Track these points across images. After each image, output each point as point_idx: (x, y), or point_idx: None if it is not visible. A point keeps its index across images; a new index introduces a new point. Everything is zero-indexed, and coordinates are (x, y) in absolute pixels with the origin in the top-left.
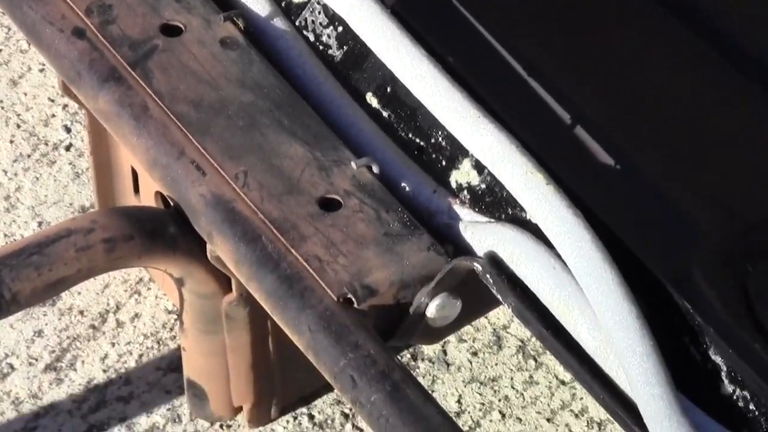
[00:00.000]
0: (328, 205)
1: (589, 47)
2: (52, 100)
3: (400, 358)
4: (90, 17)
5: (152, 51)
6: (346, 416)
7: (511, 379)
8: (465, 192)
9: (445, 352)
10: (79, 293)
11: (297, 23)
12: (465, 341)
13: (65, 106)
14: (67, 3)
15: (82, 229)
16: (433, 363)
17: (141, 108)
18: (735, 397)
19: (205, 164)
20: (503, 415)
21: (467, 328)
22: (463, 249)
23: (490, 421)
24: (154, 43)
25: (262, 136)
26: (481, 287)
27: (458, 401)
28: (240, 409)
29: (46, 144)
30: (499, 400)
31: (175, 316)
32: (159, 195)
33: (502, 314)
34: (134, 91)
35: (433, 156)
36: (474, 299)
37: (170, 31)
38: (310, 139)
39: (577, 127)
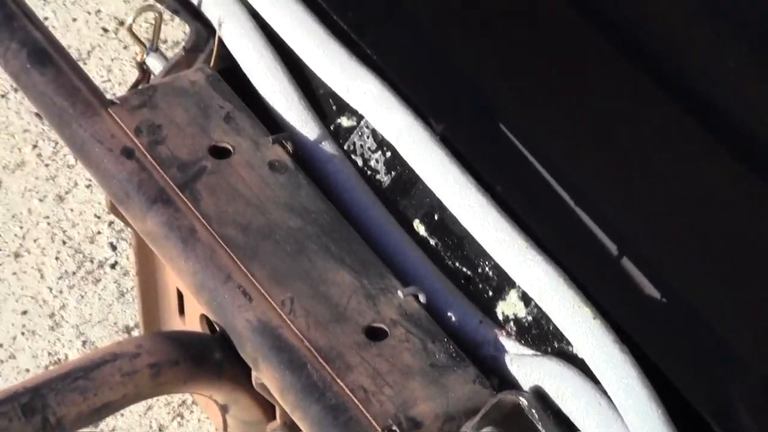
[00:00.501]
0: (375, 334)
1: (638, 178)
2: (98, 217)
3: None
4: (139, 137)
5: (201, 173)
6: None
7: None
8: (511, 323)
9: None
10: (122, 415)
11: (345, 147)
12: None
13: (111, 223)
14: (117, 122)
15: (128, 353)
16: None
17: (188, 231)
18: None
19: (252, 289)
20: None
21: None
22: (508, 382)
23: None
24: (203, 164)
25: (309, 262)
26: (526, 422)
27: None
28: None
29: (92, 261)
30: None
31: None
32: (204, 318)
33: None
34: (182, 213)
35: (480, 286)
36: None
37: (219, 152)
38: (357, 266)
39: (623, 259)
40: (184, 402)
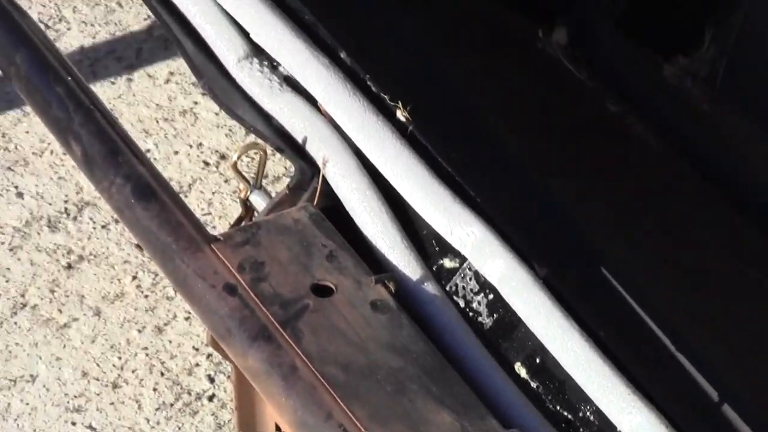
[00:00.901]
0: None
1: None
2: (197, 349)
3: None
4: (242, 274)
5: (303, 311)
6: None
7: None
8: None
9: None
10: None
11: (448, 288)
12: None
13: (209, 355)
14: (220, 258)
15: None
16: None
17: (290, 368)
18: None
19: (353, 428)
20: None
21: None
22: None
23: None
24: (305, 302)
25: (410, 403)
26: None
27: None
28: None
29: (189, 393)
30: None
31: None
32: None
33: None
34: (284, 350)
35: (581, 430)
36: None
37: (321, 291)
38: (458, 407)
39: (725, 406)
40: None
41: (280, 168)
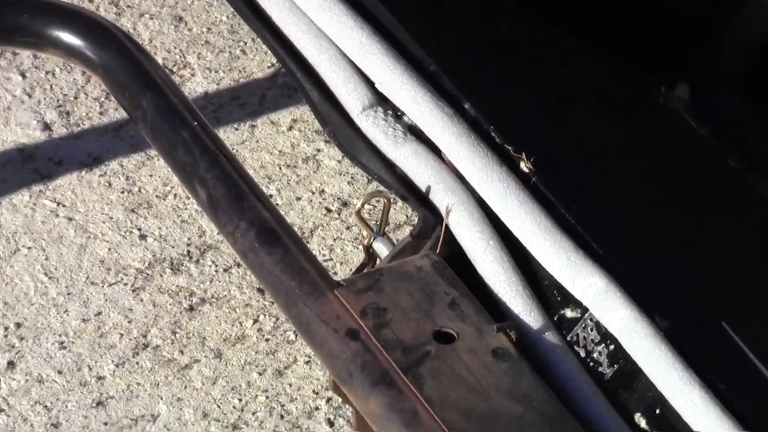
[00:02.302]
0: None
1: None
2: (317, 393)
3: None
4: (364, 319)
5: (424, 357)
6: None
7: None
8: None
9: None
10: None
11: (569, 338)
12: None
13: (329, 399)
14: (343, 304)
15: None
16: None
17: (411, 413)
18: None
19: None
20: None
21: None
22: None
23: None
24: (427, 349)
25: None
26: None
27: None
28: None
29: None
30: None
31: None
32: None
33: None
34: (405, 396)
35: None
36: None
37: (443, 337)
38: None
39: None
40: None
41: (401, 216)
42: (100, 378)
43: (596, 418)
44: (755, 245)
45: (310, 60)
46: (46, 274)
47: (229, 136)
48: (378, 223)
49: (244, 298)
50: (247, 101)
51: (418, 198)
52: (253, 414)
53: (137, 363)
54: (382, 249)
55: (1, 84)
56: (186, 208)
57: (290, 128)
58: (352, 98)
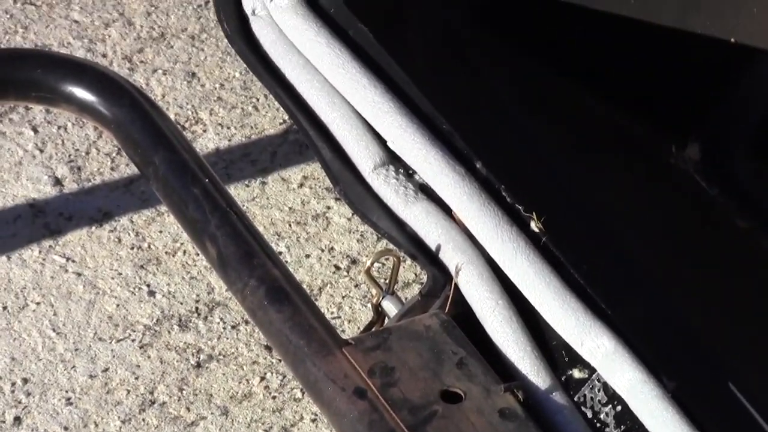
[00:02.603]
0: None
1: None
2: None
3: None
4: (372, 378)
5: (431, 416)
6: None
7: None
8: None
9: None
10: None
11: (576, 398)
12: None
13: None
14: (351, 363)
15: None
16: None
17: None
18: None
19: None
20: None
21: None
22: None
23: None
24: (434, 408)
25: None
26: None
27: None
28: None
29: None
30: None
31: None
32: None
33: None
34: None
35: None
36: None
37: (450, 397)
38: None
39: None
40: None
41: (409, 274)
42: None
43: None
44: (764, 307)
45: (322, 117)
46: (54, 330)
47: (239, 192)
48: (387, 281)
49: (252, 355)
50: (259, 158)
51: (428, 257)
52: None
53: (143, 420)
54: (390, 308)
55: (13, 138)
56: (195, 265)
57: (301, 185)
58: (363, 156)
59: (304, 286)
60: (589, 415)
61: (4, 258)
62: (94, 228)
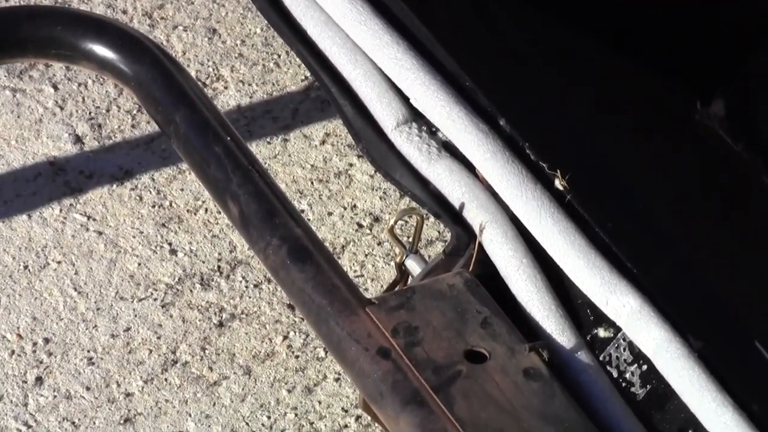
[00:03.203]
0: None
1: None
2: (346, 411)
3: None
4: (396, 338)
5: (456, 376)
6: None
7: None
8: None
9: None
10: None
11: (601, 358)
12: None
13: (358, 417)
14: (374, 322)
15: None
16: None
17: None
18: None
19: None
20: None
21: None
22: None
23: None
24: (458, 368)
25: None
26: None
27: None
28: None
29: None
30: None
31: None
32: None
33: None
34: (436, 416)
35: None
36: None
37: (475, 357)
38: None
39: None
40: None
41: (432, 232)
42: (128, 394)
43: None
44: None
45: (345, 74)
46: (75, 289)
47: (261, 149)
48: (410, 239)
49: (274, 314)
50: (280, 115)
51: (451, 215)
52: (282, 431)
53: (166, 379)
54: (414, 266)
55: (33, 96)
56: (217, 223)
57: (323, 142)
58: (386, 113)
59: (327, 245)
60: (615, 374)
61: (24, 216)
62: (115, 186)
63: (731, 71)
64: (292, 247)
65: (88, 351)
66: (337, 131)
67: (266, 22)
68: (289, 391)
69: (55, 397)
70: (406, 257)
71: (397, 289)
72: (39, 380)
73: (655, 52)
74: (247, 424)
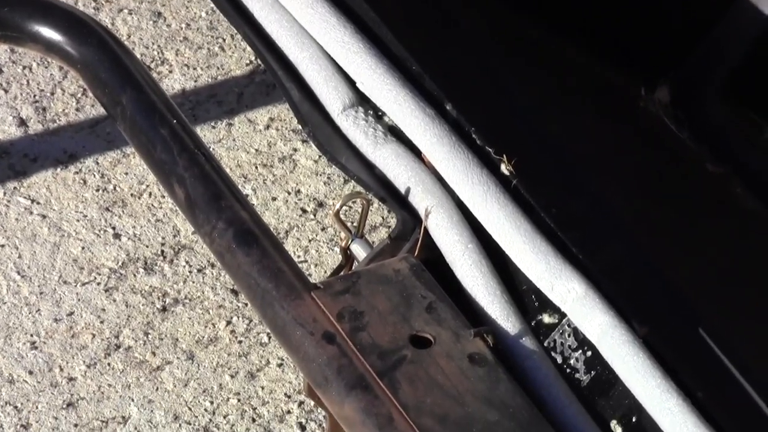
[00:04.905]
0: None
1: None
2: (289, 396)
3: None
4: (341, 322)
5: (401, 361)
6: None
7: None
8: None
9: None
10: None
11: (546, 344)
12: None
13: (301, 402)
14: (320, 307)
15: None
16: None
17: (386, 418)
18: None
19: None
20: None
21: None
22: None
23: None
24: (403, 353)
25: None
26: None
27: None
28: None
29: None
30: None
31: None
32: None
33: None
34: (380, 401)
35: None
36: None
37: (420, 342)
38: None
39: None
40: None
41: (377, 218)
42: (71, 379)
43: (572, 424)
44: (734, 250)
45: (291, 58)
46: (18, 273)
47: (206, 134)
48: (356, 224)
49: (218, 299)
50: (225, 99)
51: (397, 200)
52: (225, 417)
53: (109, 364)
54: (359, 251)
55: None
56: (161, 207)
57: (267, 127)
58: (332, 97)
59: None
60: (559, 360)
61: None
62: (59, 169)
63: (676, 58)
64: (237, 230)
65: (31, 335)
66: (282, 116)
67: (212, 5)
68: (232, 377)
69: None
70: (351, 242)
71: (342, 273)
72: None
73: (602, 39)
74: (190, 409)
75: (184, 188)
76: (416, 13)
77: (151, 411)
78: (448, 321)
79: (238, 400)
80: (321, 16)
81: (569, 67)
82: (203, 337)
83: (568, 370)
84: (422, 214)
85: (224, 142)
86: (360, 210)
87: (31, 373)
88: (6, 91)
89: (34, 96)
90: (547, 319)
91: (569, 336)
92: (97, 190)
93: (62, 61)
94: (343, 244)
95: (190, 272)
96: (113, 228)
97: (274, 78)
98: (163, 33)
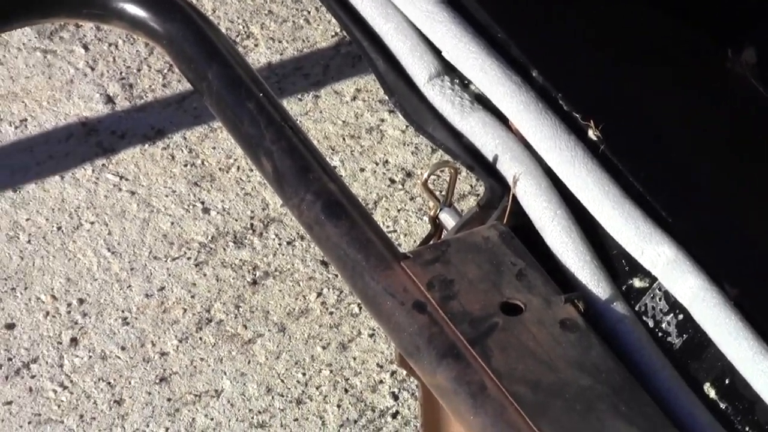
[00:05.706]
0: None
1: None
2: (381, 366)
3: None
4: (431, 291)
5: (492, 329)
6: None
7: None
8: None
9: None
10: None
11: (637, 308)
12: None
13: (393, 372)
14: (410, 276)
15: None
16: None
17: (479, 386)
18: None
19: None
20: None
21: None
22: None
23: None
24: (494, 321)
25: (598, 422)
26: None
27: None
28: None
29: (373, 410)
30: None
31: None
32: None
33: None
34: (472, 368)
35: None
36: None
37: (510, 309)
38: (647, 427)
39: None
40: None
41: (465, 186)
42: (163, 354)
43: (665, 388)
44: None
45: (376, 29)
46: (108, 250)
47: (292, 106)
48: (444, 193)
49: (308, 271)
50: (311, 71)
51: (485, 168)
52: (317, 388)
53: (201, 338)
54: (448, 220)
55: (64, 57)
56: (249, 181)
57: (354, 98)
58: (418, 67)
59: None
60: (651, 324)
61: (57, 177)
62: (147, 145)
63: (763, 18)
64: (326, 202)
65: (123, 311)
66: (368, 87)
67: None
68: (323, 348)
69: (90, 357)
70: (440, 211)
71: (431, 242)
72: (74, 341)
73: (685, 1)
74: (283, 381)
75: (271, 161)
76: None
77: (244, 384)
78: (539, 287)
79: (331, 372)
80: None
81: (654, 30)
82: (294, 309)
83: (659, 334)
84: (510, 181)
85: (311, 114)
86: (448, 179)
87: (123, 348)
88: (93, 69)
89: (121, 73)
90: (637, 283)
91: (660, 300)
92: (185, 165)
93: (148, 38)
94: (431, 213)
95: (279, 245)
96: (202, 202)
97: (360, 49)
98: (248, 7)
